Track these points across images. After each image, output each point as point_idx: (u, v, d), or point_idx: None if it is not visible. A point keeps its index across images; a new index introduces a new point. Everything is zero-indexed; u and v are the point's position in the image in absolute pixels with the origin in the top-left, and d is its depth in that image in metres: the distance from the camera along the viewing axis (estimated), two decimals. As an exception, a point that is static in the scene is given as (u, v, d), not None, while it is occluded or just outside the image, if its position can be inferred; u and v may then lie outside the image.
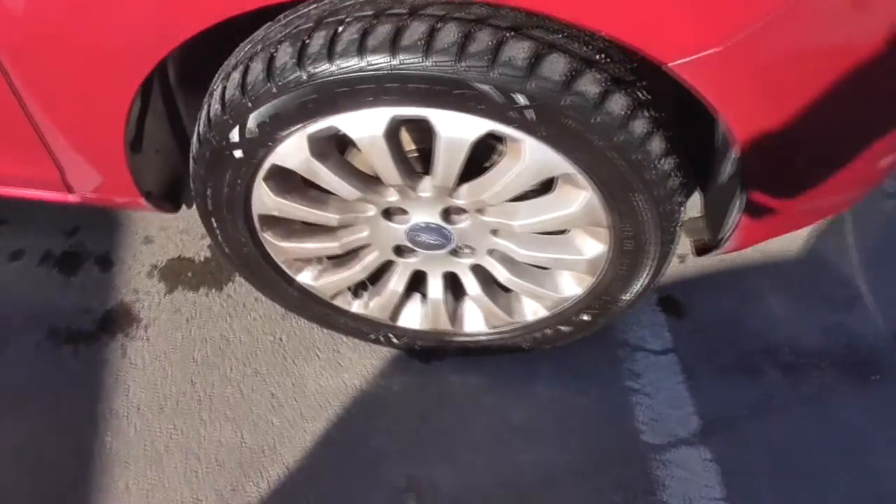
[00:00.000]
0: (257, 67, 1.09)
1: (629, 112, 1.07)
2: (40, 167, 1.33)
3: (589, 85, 1.04)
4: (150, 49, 1.07)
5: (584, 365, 1.70)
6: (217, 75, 1.20)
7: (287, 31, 1.09)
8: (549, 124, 1.07)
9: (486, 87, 1.02)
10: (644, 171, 1.12)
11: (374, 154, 1.16)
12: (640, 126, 1.09)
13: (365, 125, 1.12)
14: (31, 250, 1.92)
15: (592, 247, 1.31)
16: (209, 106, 1.18)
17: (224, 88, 1.14)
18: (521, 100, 1.03)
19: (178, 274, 1.85)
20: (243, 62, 1.12)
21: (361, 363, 1.70)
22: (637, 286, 1.37)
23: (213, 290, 1.82)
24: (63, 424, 1.61)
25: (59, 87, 1.15)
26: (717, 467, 1.56)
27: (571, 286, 1.43)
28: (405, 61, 1.01)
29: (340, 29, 1.04)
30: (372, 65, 1.02)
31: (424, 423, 1.62)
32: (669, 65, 0.96)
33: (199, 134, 1.21)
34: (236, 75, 1.12)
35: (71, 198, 1.43)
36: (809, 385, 1.68)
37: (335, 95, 1.07)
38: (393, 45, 1.01)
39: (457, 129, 1.10)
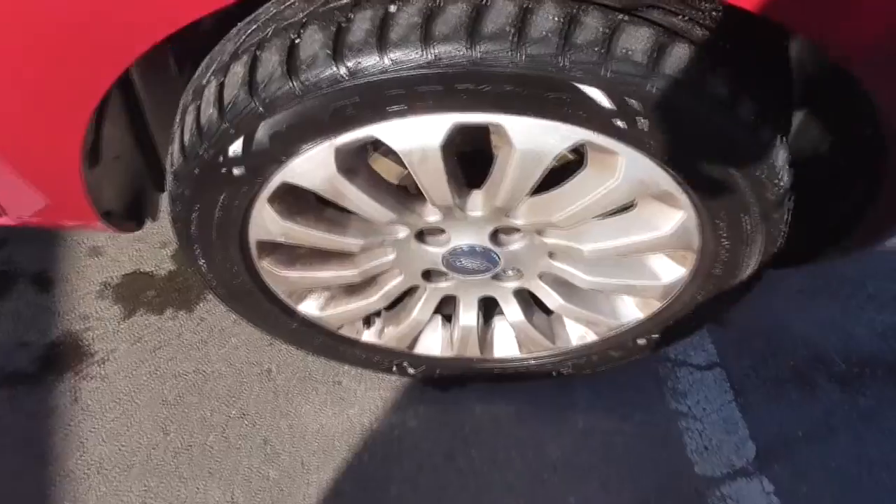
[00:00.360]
0: (271, 59, 0.80)
1: (758, 118, 0.84)
2: (-42, 185, 1.00)
3: (719, 85, 0.80)
4: (123, 47, 0.76)
5: (623, 386, 1.50)
6: (205, 66, 0.90)
7: (312, 8, 0.80)
8: (664, 135, 0.82)
9: (594, 90, 0.76)
10: (765, 189, 0.90)
11: (424, 170, 0.89)
12: (766, 135, 0.86)
13: (417, 135, 0.84)
14: (-55, 268, 1.56)
15: (672, 271, 1.09)
16: (198, 108, 0.88)
17: (220, 86, 0.84)
18: (636, 105, 0.78)
19: (136, 293, 1.53)
20: (248, 51, 0.83)
21: (369, 396, 1.45)
22: (712, 312, 1.16)
23: (182, 312, 1.52)
24: (3, 492, 1.30)
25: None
26: (779, 501, 1.39)
27: (633, 311, 1.21)
28: (489, 54, 0.74)
29: (394, 8, 0.76)
30: (441, 59, 0.75)
31: (449, 464, 1.39)
32: (850, 58, 0.73)
33: (182, 145, 0.91)
34: (239, 69, 0.83)
35: (2, 220, 1.10)
36: (866, 398, 1.53)
37: (385, 99, 0.79)
38: (472, 33, 0.74)
39: (539, 141, 0.84)
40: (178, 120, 0.94)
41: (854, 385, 1.55)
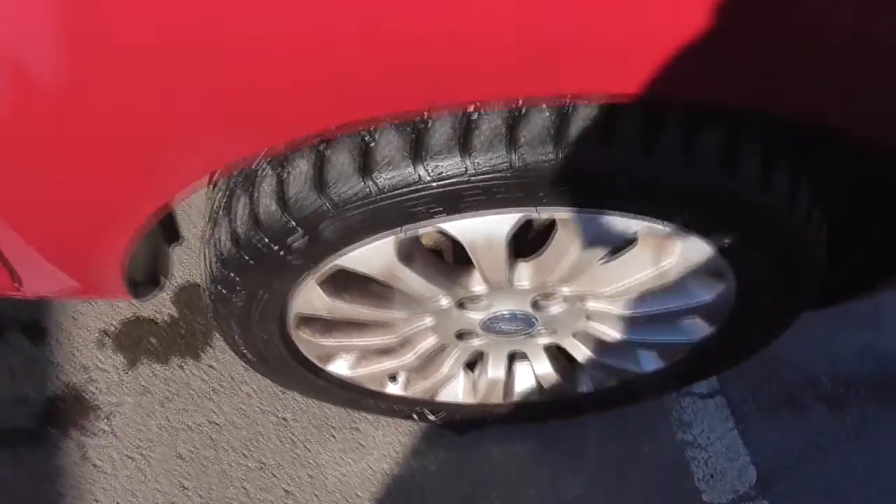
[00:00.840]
0: (341, 160, 0.78)
1: (812, 206, 0.87)
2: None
3: (783, 179, 0.82)
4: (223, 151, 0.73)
5: (633, 418, 1.53)
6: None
7: (383, 108, 0.77)
8: (728, 224, 0.84)
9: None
10: (810, 268, 0.94)
11: (486, 256, 0.89)
12: (817, 217, 0.89)
13: (485, 228, 0.84)
14: (-74, 320, 1.47)
15: (701, 329, 1.12)
16: (252, 198, 0.85)
17: (281, 182, 0.82)
18: (708, 202, 0.80)
19: (137, 341, 1.48)
20: (311, 147, 0.80)
21: (387, 441, 1.45)
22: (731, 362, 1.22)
23: (189, 360, 1.47)
24: (16, 562, 1.26)
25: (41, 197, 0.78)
26: (781, 525, 1.48)
27: (655, 362, 1.24)
28: (576, 156, 0.74)
29: (475, 115, 0.74)
30: (527, 165, 0.74)
31: (469, 507, 1.41)
32: None
33: (234, 233, 0.88)
34: (303, 165, 0.80)
35: (16, 293, 1.05)
36: (853, 417, 1.62)
37: (461, 200, 0.78)
38: (558, 137, 0.73)
39: (607, 229, 0.85)
40: (222, 202, 0.91)
41: (841, 406, 1.64)
